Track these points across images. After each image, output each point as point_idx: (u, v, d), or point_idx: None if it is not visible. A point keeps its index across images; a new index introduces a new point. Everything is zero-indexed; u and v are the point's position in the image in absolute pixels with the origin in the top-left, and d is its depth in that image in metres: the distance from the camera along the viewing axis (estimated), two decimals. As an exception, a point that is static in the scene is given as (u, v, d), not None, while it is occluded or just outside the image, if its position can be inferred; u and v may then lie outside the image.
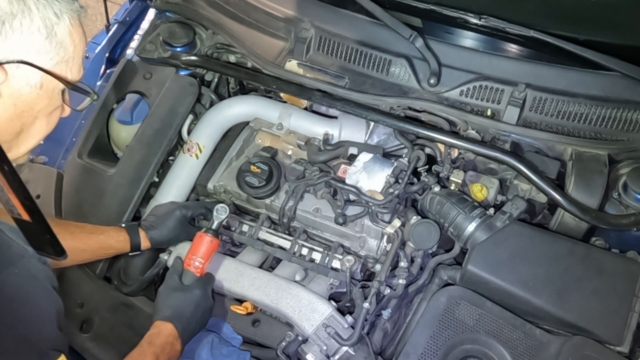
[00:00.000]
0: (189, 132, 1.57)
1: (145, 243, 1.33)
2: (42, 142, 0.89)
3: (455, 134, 1.42)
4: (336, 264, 1.32)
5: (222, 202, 1.26)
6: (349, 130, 1.51)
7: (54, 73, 0.80)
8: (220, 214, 1.23)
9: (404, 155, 1.40)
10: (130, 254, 1.34)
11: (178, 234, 1.37)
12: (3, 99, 0.77)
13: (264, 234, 1.39)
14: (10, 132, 0.82)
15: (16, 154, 0.86)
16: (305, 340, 1.23)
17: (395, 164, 1.36)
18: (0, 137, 0.80)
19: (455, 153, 1.43)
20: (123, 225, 1.34)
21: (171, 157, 1.56)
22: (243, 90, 1.74)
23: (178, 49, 1.64)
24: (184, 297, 1.15)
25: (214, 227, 1.22)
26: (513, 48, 1.51)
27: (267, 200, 1.43)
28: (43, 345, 0.85)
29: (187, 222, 1.38)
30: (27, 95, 0.79)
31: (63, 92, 0.85)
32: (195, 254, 1.20)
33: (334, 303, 1.25)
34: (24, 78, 0.78)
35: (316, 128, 1.51)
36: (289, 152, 1.52)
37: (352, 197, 1.37)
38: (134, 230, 1.32)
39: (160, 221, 1.35)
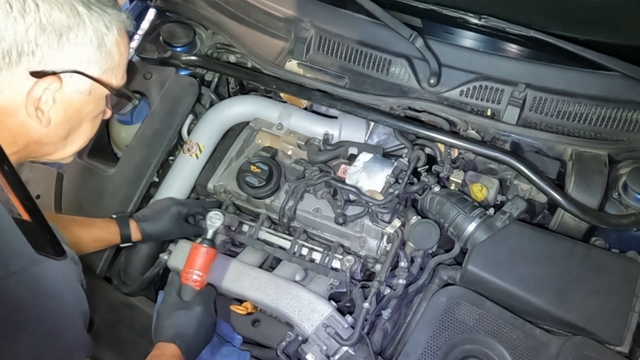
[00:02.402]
0: (189, 132, 1.57)
1: (135, 234, 1.32)
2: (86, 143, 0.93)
3: (455, 134, 1.42)
4: (336, 264, 1.32)
5: (216, 209, 1.19)
6: (349, 130, 1.51)
7: (102, 81, 0.84)
8: (214, 222, 1.15)
9: (404, 155, 1.40)
10: (121, 245, 1.33)
11: (171, 230, 1.36)
12: (56, 105, 0.81)
13: (264, 234, 1.39)
14: (59, 136, 0.86)
15: (62, 154, 0.91)
16: (305, 340, 1.23)
17: (395, 164, 1.36)
18: (50, 140, 0.85)
19: (455, 153, 1.43)
20: (114, 216, 1.33)
21: (171, 157, 1.56)
22: (243, 90, 1.74)
23: (178, 49, 1.65)
24: (185, 315, 1.11)
25: (209, 236, 1.15)
26: (513, 48, 1.51)
27: (267, 200, 1.43)
28: (71, 344, 0.87)
29: (183, 220, 1.38)
30: (76, 102, 0.83)
31: (107, 96, 0.88)
32: (192, 267, 1.13)
33: (334, 303, 1.25)
34: (75, 86, 0.82)
35: (316, 128, 1.51)
36: (289, 152, 1.52)
37: (352, 197, 1.37)
38: (124, 221, 1.31)
39: (155, 215, 1.35)
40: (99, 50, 0.82)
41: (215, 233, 1.17)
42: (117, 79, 0.88)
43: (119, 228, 1.30)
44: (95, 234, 1.28)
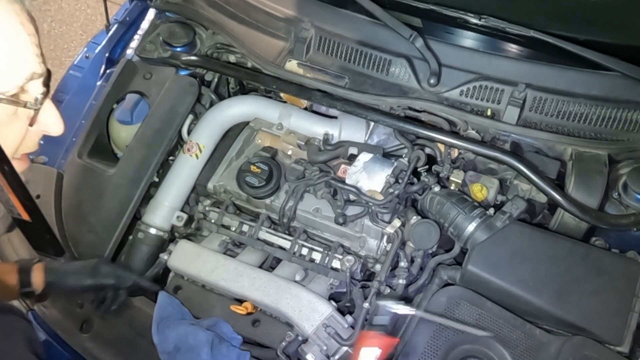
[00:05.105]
0: (189, 132, 1.57)
1: (37, 282, 1.18)
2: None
3: (455, 134, 1.41)
4: (336, 264, 1.32)
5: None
6: (349, 130, 1.51)
7: None
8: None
9: (404, 155, 1.40)
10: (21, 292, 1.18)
11: (77, 288, 1.26)
12: None
13: (264, 234, 1.39)
14: None
15: None
16: (305, 340, 1.23)
17: (395, 164, 1.36)
18: None
19: (455, 153, 1.43)
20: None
21: (171, 157, 1.56)
22: (243, 90, 1.74)
23: (178, 49, 1.64)
24: None
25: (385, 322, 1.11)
26: (513, 48, 1.51)
27: (267, 200, 1.43)
28: None
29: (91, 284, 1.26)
30: None
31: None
32: None
33: (334, 303, 1.25)
34: None
35: (316, 128, 1.51)
36: (289, 152, 1.52)
37: (352, 197, 1.37)
38: (24, 269, 1.17)
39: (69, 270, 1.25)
40: None
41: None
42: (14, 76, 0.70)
43: (19, 274, 1.16)
44: None
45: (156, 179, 1.52)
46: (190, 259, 1.35)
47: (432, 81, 1.46)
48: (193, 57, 1.62)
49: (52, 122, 0.77)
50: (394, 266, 1.31)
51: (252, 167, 1.40)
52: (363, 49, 1.51)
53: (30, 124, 0.75)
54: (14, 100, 0.70)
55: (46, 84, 0.75)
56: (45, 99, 0.75)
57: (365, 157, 1.38)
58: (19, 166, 0.78)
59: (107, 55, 1.88)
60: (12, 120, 0.72)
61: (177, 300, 1.32)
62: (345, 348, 1.19)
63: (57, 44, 3.53)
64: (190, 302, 1.33)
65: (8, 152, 0.74)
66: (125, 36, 1.93)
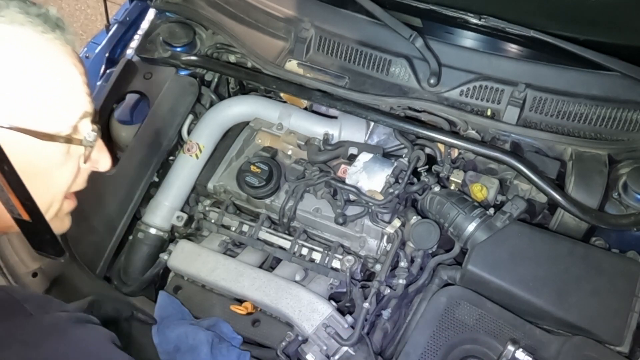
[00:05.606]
0: (189, 132, 1.57)
1: None
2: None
3: (455, 134, 1.41)
4: (336, 264, 1.32)
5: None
6: (349, 130, 1.51)
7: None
8: None
9: (404, 155, 1.40)
10: None
11: None
12: None
13: (264, 234, 1.39)
14: None
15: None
16: (305, 340, 1.23)
17: (395, 164, 1.36)
18: None
19: (455, 153, 1.43)
20: None
21: (171, 157, 1.56)
22: (243, 90, 1.74)
23: (178, 49, 1.64)
24: None
25: None
26: (513, 48, 1.51)
27: (267, 200, 1.43)
28: None
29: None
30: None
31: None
32: None
33: (334, 303, 1.25)
34: None
35: (316, 128, 1.51)
36: (289, 152, 1.52)
37: (352, 197, 1.37)
38: None
39: None
40: None
41: None
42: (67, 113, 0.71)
43: None
44: None
45: (156, 179, 1.52)
46: (190, 259, 1.35)
47: (432, 81, 1.46)
48: (193, 57, 1.62)
49: (102, 158, 0.80)
50: (394, 266, 1.31)
51: (252, 167, 1.40)
52: (363, 49, 1.51)
53: (84, 162, 0.77)
54: (70, 138, 0.72)
55: (95, 121, 0.77)
56: (97, 136, 0.77)
57: (365, 157, 1.38)
58: (68, 206, 0.82)
59: (107, 55, 1.87)
60: (66, 159, 0.74)
61: (177, 300, 1.32)
62: (345, 348, 1.19)
63: (57, 44, 3.52)
64: (190, 302, 1.33)
65: (61, 191, 0.77)
66: (125, 36, 1.93)
